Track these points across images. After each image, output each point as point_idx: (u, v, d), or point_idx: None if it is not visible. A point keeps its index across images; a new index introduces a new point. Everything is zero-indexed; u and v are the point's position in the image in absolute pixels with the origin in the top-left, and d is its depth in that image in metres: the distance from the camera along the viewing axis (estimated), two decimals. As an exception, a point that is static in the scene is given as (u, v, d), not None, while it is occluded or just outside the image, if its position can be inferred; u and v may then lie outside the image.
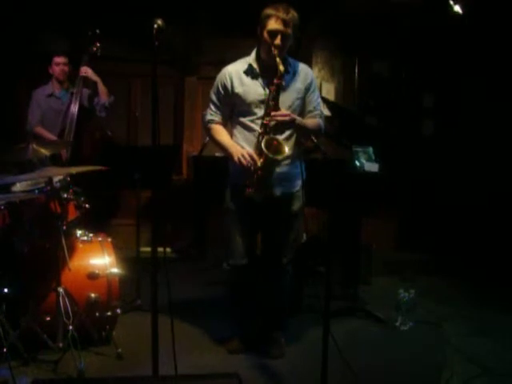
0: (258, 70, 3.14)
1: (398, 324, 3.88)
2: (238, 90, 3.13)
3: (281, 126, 3.06)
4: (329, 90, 6.35)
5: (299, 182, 3.29)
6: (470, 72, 6.09)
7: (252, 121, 3.14)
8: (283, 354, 3.38)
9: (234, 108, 3.22)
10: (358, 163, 4.05)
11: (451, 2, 5.52)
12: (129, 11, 5.50)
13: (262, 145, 2.96)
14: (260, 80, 3.13)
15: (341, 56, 6.53)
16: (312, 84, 3.27)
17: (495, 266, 5.24)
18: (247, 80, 3.14)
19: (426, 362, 3.42)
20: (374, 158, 4.15)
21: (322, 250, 4.64)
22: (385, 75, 6.72)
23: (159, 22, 2.40)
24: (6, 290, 3.18)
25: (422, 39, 6.29)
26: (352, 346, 3.44)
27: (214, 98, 3.24)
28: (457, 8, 5.53)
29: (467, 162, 6.04)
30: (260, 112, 3.11)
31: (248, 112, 3.15)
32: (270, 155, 2.95)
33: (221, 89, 3.19)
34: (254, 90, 3.13)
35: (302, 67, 3.25)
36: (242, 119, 3.18)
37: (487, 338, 3.77)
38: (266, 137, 3.00)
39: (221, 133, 3.23)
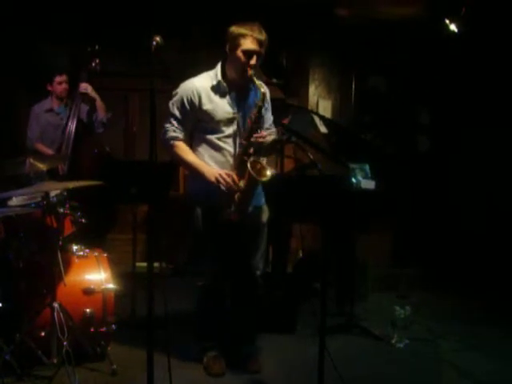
0: (226, 87, 3.11)
1: (393, 341, 3.87)
2: (207, 106, 3.08)
3: (260, 148, 3.06)
4: (325, 107, 6.39)
5: (262, 195, 3.30)
6: (465, 88, 6.14)
7: (219, 139, 3.12)
8: (260, 368, 3.34)
9: (197, 124, 3.16)
10: (354, 180, 4.06)
11: (447, 21, 5.59)
12: (126, 27, 5.55)
13: (249, 167, 2.95)
14: (228, 98, 3.12)
15: (337, 73, 6.58)
16: (269, 102, 3.29)
17: (492, 281, 5.24)
18: (216, 97, 3.10)
19: (421, 378, 3.41)
20: (370, 175, 4.16)
21: (319, 266, 4.64)
22: (381, 92, 6.76)
23: (158, 38, 2.42)
24: (0, 305, 3.17)
25: (418, 56, 6.34)
26: (348, 362, 3.42)
27: (176, 112, 3.13)
28: (452, 27, 5.59)
29: (463, 177, 6.06)
30: (228, 130, 3.10)
31: (215, 130, 3.11)
32: (259, 179, 2.96)
33: (187, 104, 3.10)
34: (222, 107, 3.10)
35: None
36: (209, 137, 3.13)
37: (482, 354, 3.77)
38: (249, 159, 2.99)
39: (187, 151, 3.15)
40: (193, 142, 3.21)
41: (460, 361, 3.63)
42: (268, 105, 3.29)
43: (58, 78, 4.64)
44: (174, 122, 3.15)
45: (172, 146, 3.15)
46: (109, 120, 4.74)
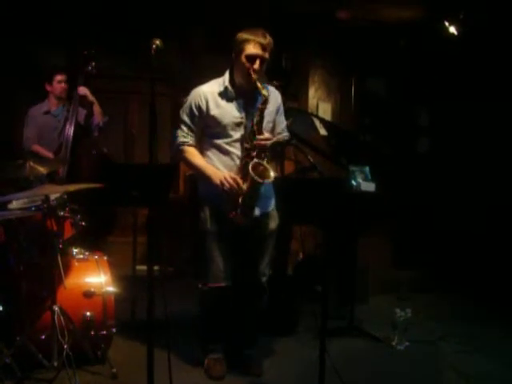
0: (233, 92, 3.14)
1: (394, 343, 3.87)
2: (214, 112, 3.12)
3: (264, 150, 3.06)
4: (325, 110, 6.40)
5: (273, 201, 3.32)
6: (465, 90, 6.14)
7: (228, 143, 3.14)
8: (261, 371, 3.35)
9: (206, 130, 3.19)
10: (354, 183, 4.06)
11: (446, 24, 5.60)
12: (126, 29, 5.55)
13: (250, 169, 2.96)
14: (235, 103, 3.14)
15: (337, 75, 6.59)
16: (281, 106, 3.31)
17: (492, 282, 5.24)
18: (222, 102, 3.13)
19: (422, 380, 3.41)
20: (370, 177, 4.16)
21: (319, 268, 4.64)
22: (381, 94, 6.77)
23: (157, 41, 2.43)
24: (0, 308, 3.17)
25: (417, 58, 6.35)
26: (349, 365, 3.42)
27: (186, 119, 3.18)
28: (452, 29, 5.60)
29: (463, 179, 6.06)
30: (236, 135, 3.12)
31: (223, 134, 3.14)
32: (260, 180, 2.96)
33: (195, 110, 3.15)
34: (229, 112, 3.12)
35: (272, 90, 3.25)
36: (217, 141, 3.16)
37: (484, 356, 3.77)
38: (252, 161, 3.00)
39: (195, 155, 3.19)
40: (202, 147, 3.24)
41: (460, 362, 3.63)
42: (280, 108, 3.31)
43: (58, 77, 4.62)
44: (184, 128, 3.19)
45: (181, 151, 3.20)
46: (105, 124, 4.74)
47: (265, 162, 3.05)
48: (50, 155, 4.50)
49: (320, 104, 6.35)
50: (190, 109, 3.16)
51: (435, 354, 3.79)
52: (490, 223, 5.84)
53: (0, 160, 3.63)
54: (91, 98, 4.61)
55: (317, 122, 4.53)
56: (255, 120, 3.03)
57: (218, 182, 3.03)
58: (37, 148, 4.57)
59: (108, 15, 5.54)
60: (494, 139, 5.95)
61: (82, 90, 4.54)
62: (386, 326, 3.99)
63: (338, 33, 6.13)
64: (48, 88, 4.66)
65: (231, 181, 3.00)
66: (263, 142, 3.02)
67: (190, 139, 3.18)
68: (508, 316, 4.60)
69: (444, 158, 6.35)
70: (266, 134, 3.06)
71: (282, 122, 3.35)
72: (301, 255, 4.90)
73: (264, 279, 3.33)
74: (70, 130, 4.42)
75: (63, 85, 4.65)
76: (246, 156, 3.05)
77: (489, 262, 5.47)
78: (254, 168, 2.97)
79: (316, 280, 4.61)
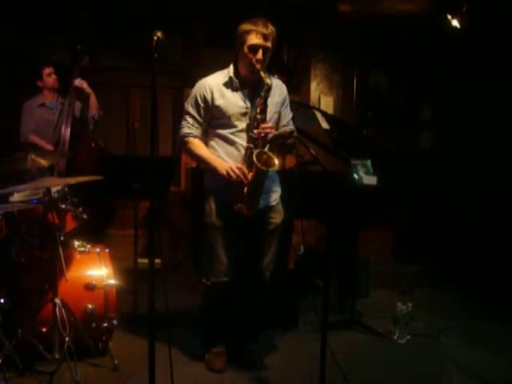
0: (237, 83, 3.13)
1: (395, 337, 3.87)
2: (219, 102, 3.11)
3: (266, 139, 3.05)
4: (327, 104, 6.38)
5: (277, 195, 3.31)
6: (468, 84, 6.12)
7: (233, 133, 3.13)
8: (262, 365, 3.36)
9: (211, 121, 3.18)
10: (356, 176, 4.05)
11: (449, 17, 5.57)
12: (127, 22, 5.54)
13: (254, 158, 2.96)
14: (240, 93, 3.13)
15: (339, 69, 6.57)
16: (286, 98, 3.31)
17: (494, 277, 5.23)
18: (227, 92, 3.12)
19: (424, 375, 3.41)
20: (372, 170, 4.15)
21: (320, 262, 4.64)
22: (383, 88, 6.75)
23: (159, 33, 2.42)
24: (2, 301, 3.17)
25: (420, 52, 6.33)
26: (350, 359, 3.42)
27: (191, 110, 3.17)
28: (455, 22, 5.58)
29: (465, 174, 6.05)
30: (241, 125, 3.11)
31: (228, 125, 3.13)
32: (264, 168, 2.96)
33: (200, 101, 3.14)
34: (234, 102, 3.12)
35: (277, 82, 3.26)
36: (222, 131, 3.15)
37: (485, 351, 3.77)
38: (255, 150, 2.99)
39: (200, 146, 3.17)
40: (207, 139, 3.23)
41: (462, 356, 3.63)
42: (286, 100, 3.31)
43: (46, 70, 4.61)
44: (189, 119, 3.18)
45: (186, 143, 3.19)
46: (100, 117, 4.73)
47: (269, 151, 3.04)
48: (49, 146, 4.49)
49: (322, 98, 6.34)
50: (195, 100, 3.15)
51: (436, 348, 3.79)
52: (492, 218, 5.83)
53: (1, 153, 3.64)
54: (88, 89, 4.60)
55: (319, 116, 4.51)
56: (258, 109, 3.03)
57: (224, 172, 3.02)
58: (34, 139, 4.54)
59: (109, 8, 5.53)
60: (497, 135, 5.93)
61: (79, 82, 4.53)
62: (388, 320, 3.99)
63: (340, 26, 6.11)
64: (39, 84, 4.65)
65: (237, 171, 2.99)
66: (268, 130, 3.01)
67: (194, 130, 3.17)
68: (509, 311, 4.60)
69: (447, 153, 6.33)
70: (270, 124, 3.06)
71: (288, 115, 3.33)
72: (302, 249, 4.89)
73: (268, 274, 3.32)
74: (67, 124, 4.42)
75: (53, 76, 4.64)
76: (251, 145, 3.04)
77: (491, 256, 5.46)
78: (258, 157, 2.97)
79: (317, 274, 4.61)
